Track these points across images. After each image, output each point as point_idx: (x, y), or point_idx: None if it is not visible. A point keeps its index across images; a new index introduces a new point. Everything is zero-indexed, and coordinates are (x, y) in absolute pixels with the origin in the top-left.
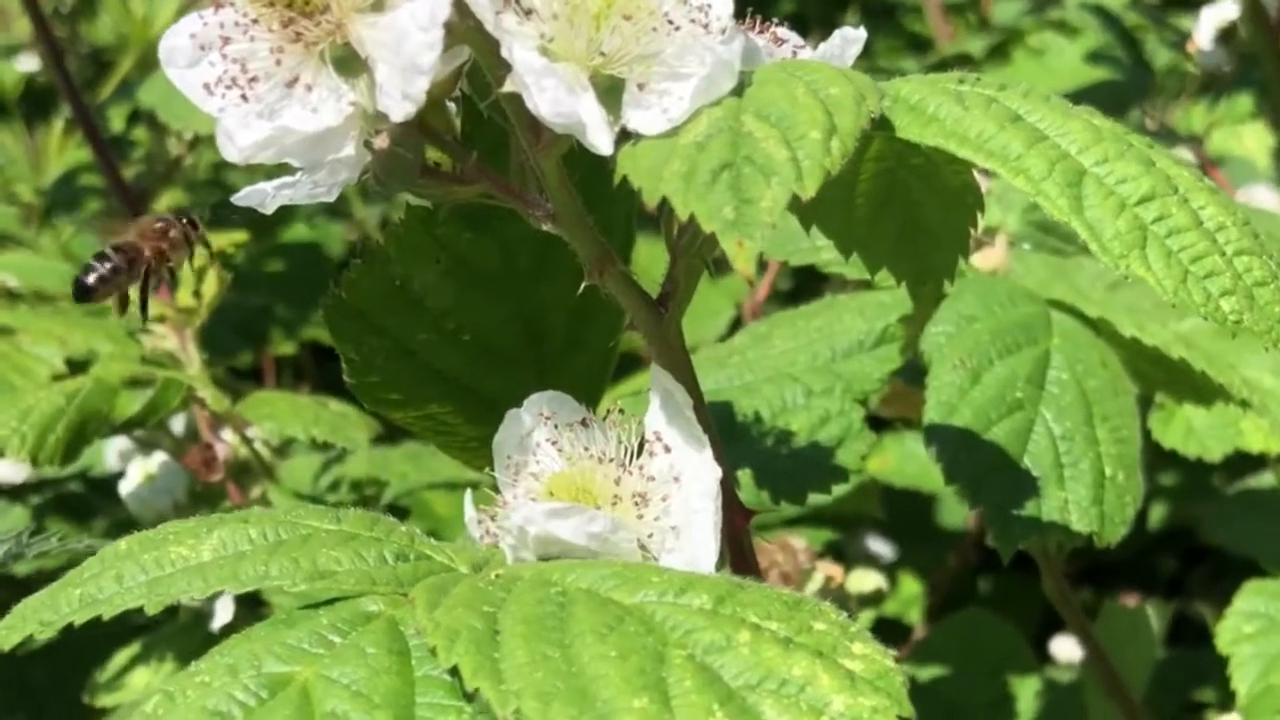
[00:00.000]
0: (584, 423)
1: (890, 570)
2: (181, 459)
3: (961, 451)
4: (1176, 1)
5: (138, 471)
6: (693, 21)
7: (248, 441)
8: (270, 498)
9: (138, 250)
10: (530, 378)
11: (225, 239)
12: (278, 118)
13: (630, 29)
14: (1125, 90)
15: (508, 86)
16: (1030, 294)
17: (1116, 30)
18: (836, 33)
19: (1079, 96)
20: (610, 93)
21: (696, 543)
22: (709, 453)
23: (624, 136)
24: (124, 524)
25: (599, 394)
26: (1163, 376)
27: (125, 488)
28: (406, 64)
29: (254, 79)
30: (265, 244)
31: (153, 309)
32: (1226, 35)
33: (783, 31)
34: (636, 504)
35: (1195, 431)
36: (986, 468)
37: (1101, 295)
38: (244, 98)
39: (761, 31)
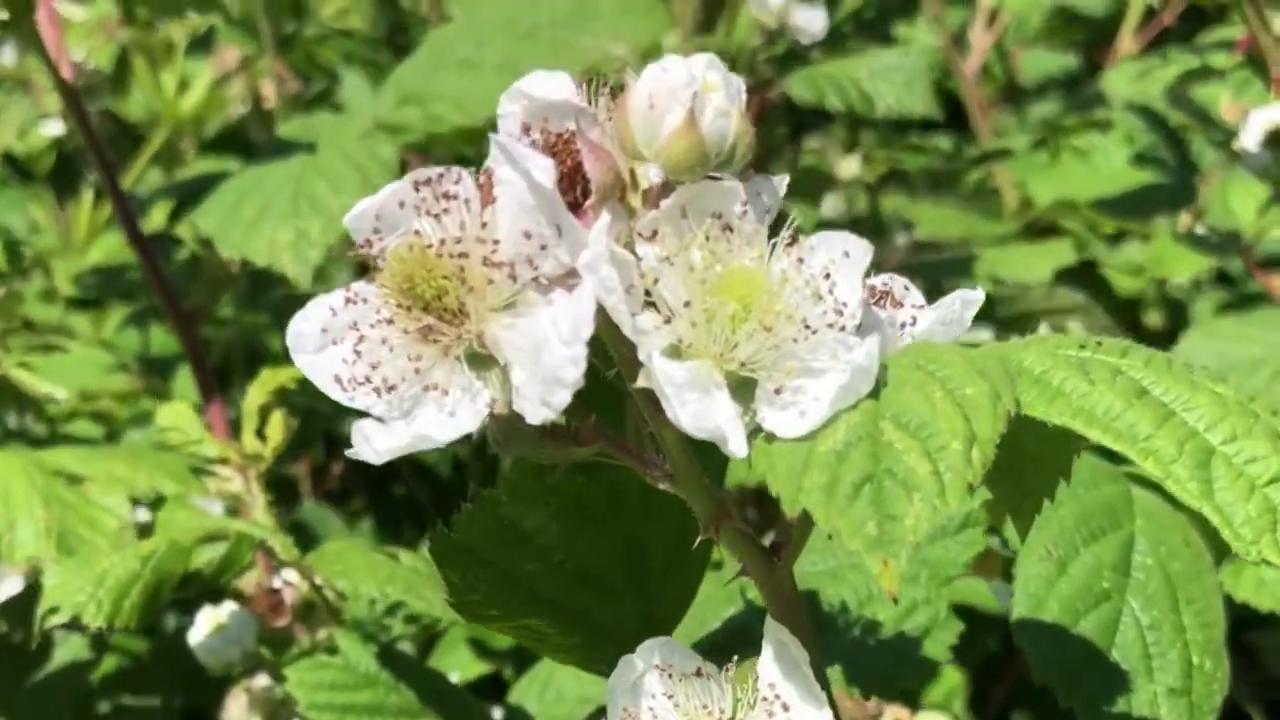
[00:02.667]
0: (699, 673)
1: None
2: (249, 604)
3: (1053, 648)
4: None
5: (207, 620)
6: (830, 326)
7: (316, 587)
8: (338, 642)
9: None
10: (629, 598)
11: (286, 374)
12: (414, 420)
13: (768, 338)
14: (1173, 194)
15: (642, 382)
16: (1111, 472)
17: (1163, 131)
18: (956, 295)
19: (1129, 199)
20: (742, 387)
21: None
22: (827, 712)
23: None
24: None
25: (690, 603)
26: None
27: (194, 637)
28: (548, 376)
29: (391, 386)
30: None
31: (217, 450)
32: (1275, 139)
33: (898, 287)
34: None
35: (1267, 584)
36: (1078, 664)
37: None
38: (377, 393)
39: (880, 299)
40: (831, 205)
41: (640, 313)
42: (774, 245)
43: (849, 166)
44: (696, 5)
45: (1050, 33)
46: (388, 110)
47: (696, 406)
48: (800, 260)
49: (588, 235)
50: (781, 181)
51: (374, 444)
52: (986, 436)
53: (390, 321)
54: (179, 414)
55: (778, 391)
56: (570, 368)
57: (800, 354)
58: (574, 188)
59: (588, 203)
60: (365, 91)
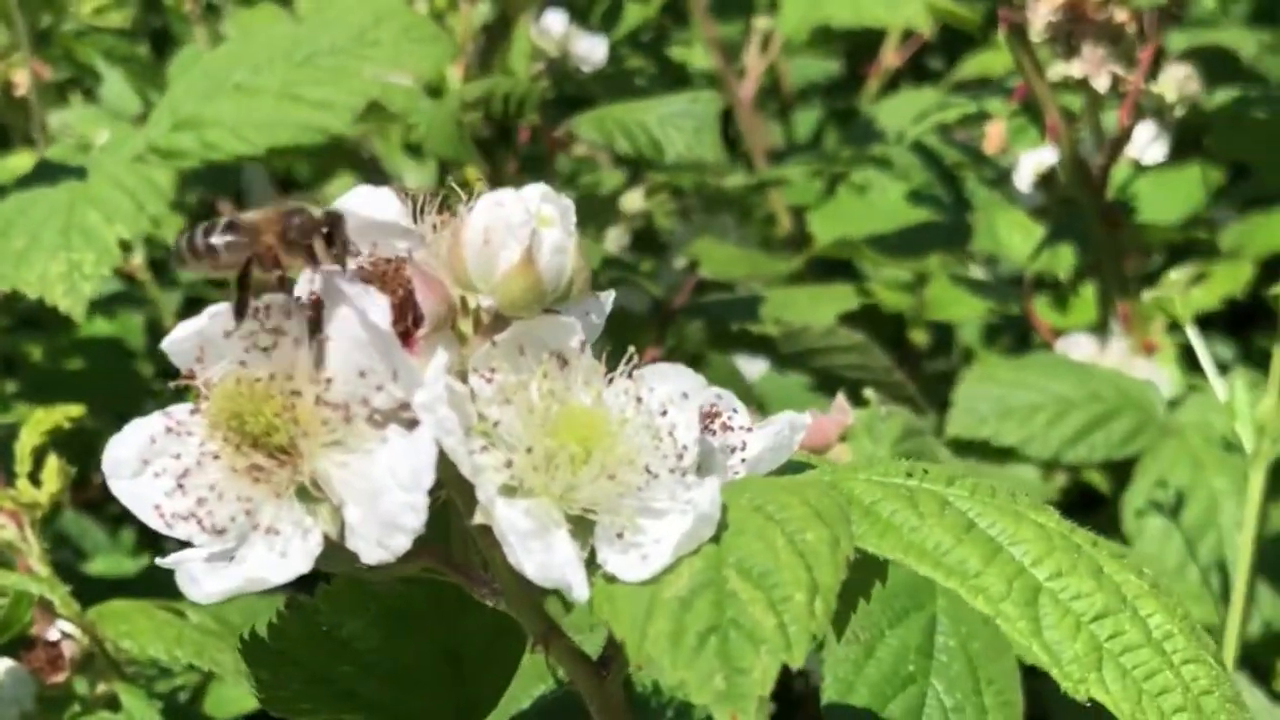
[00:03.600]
0: None
1: None
2: (25, 659)
3: None
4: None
5: None
6: (671, 471)
7: (98, 641)
8: (121, 698)
9: (257, 231)
10: (445, 692)
11: (59, 413)
12: (243, 561)
13: (610, 485)
14: (948, 232)
15: (479, 519)
16: None
17: (937, 169)
18: (784, 420)
19: (905, 238)
20: (581, 524)
21: None
22: None
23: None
24: None
25: (505, 688)
26: None
27: None
28: (386, 520)
29: (221, 530)
30: (63, 340)
31: None
32: (1045, 180)
33: (726, 408)
34: None
35: None
36: None
37: None
38: (200, 526)
39: (709, 421)
40: (615, 238)
41: (479, 452)
42: (610, 380)
43: (633, 200)
44: (478, 34)
45: (812, 43)
46: (161, 134)
47: (541, 557)
48: (639, 399)
49: (422, 372)
50: (609, 298)
51: (203, 587)
52: (828, 586)
53: (216, 456)
54: None
55: (619, 535)
56: (410, 515)
57: (640, 495)
58: (405, 317)
59: (419, 332)
60: (126, 90)
